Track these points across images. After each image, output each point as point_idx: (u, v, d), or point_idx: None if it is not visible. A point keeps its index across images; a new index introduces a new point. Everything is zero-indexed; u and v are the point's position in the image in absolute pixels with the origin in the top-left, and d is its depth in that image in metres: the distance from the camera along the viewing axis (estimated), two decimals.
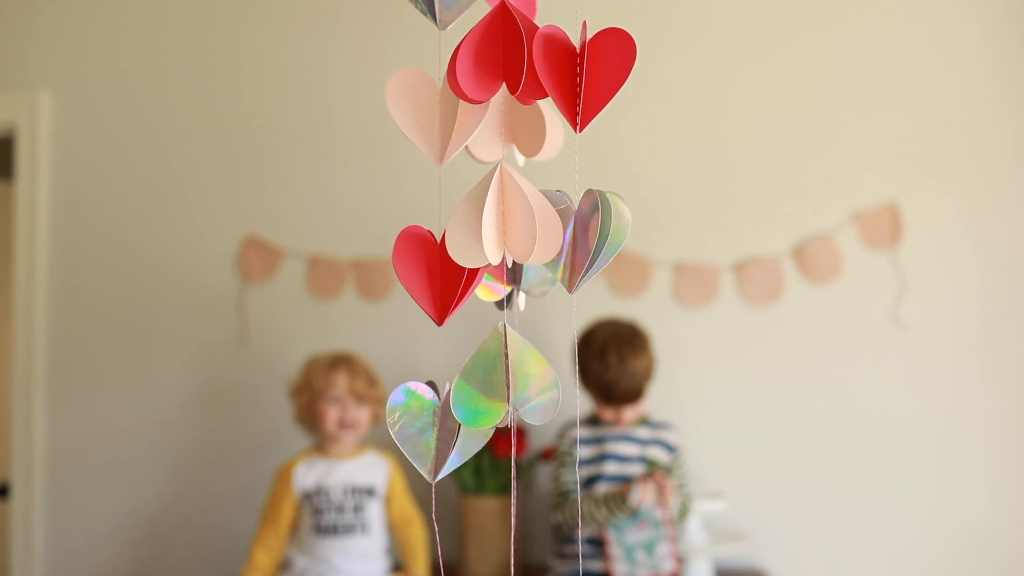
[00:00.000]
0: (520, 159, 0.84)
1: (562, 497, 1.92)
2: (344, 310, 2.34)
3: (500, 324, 0.70)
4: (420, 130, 0.74)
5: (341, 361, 1.97)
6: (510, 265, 0.73)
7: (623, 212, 0.68)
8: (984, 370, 2.14)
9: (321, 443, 1.99)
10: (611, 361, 1.88)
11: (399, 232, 0.71)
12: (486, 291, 0.77)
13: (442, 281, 0.72)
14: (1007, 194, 2.16)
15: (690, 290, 2.22)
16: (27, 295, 2.44)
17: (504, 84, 0.71)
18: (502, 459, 2.08)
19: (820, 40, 2.23)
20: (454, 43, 0.70)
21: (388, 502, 1.98)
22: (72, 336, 2.44)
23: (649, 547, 1.85)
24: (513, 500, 0.77)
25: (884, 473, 2.16)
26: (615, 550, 1.84)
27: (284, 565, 1.94)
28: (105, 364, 2.43)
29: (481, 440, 0.73)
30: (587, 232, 0.69)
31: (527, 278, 0.79)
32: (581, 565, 0.85)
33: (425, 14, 0.69)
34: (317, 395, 1.94)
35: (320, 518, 1.90)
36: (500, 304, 0.78)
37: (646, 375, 1.92)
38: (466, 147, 0.82)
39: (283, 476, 1.95)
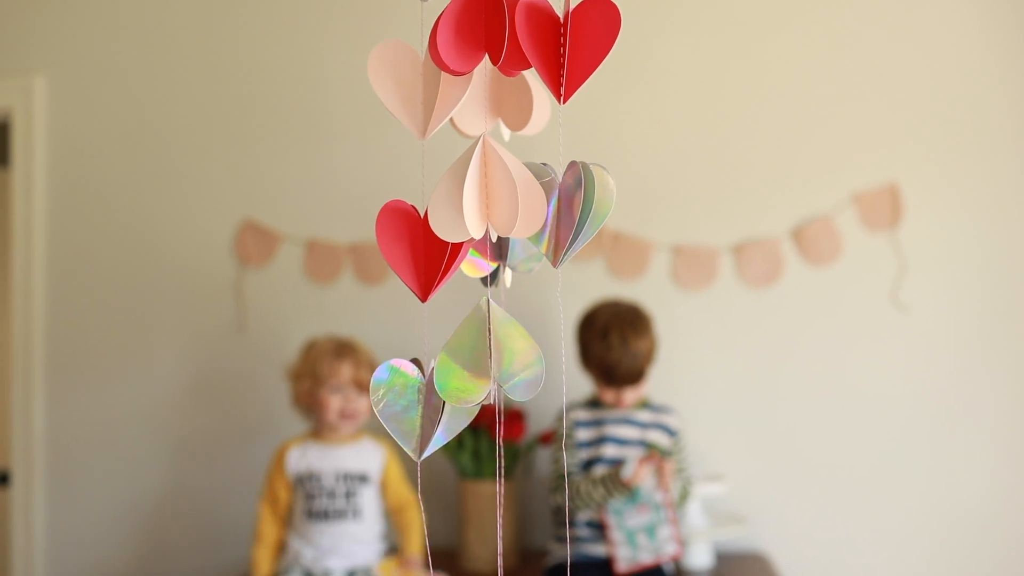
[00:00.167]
0: (506, 133, 0.82)
1: (561, 479, 1.91)
2: (342, 294, 2.33)
3: (483, 299, 0.69)
4: (403, 103, 0.72)
5: (346, 350, 1.95)
6: (494, 240, 0.72)
7: (607, 183, 0.67)
8: (984, 352, 2.13)
9: (318, 429, 1.98)
10: (613, 342, 1.88)
11: (381, 206, 0.70)
12: (471, 267, 0.76)
13: (426, 257, 0.71)
14: (1007, 175, 2.14)
15: (689, 272, 2.21)
16: (24, 282, 2.44)
17: (487, 55, 0.70)
18: (504, 443, 2.08)
19: (820, 20, 2.21)
20: (436, 14, 0.69)
21: (384, 488, 1.97)
22: (70, 323, 2.44)
23: (651, 531, 1.85)
24: (499, 481, 0.76)
25: (884, 455, 2.15)
26: (616, 534, 1.84)
27: (282, 547, 1.95)
28: (103, 351, 2.42)
29: (467, 418, 0.72)
30: (571, 205, 0.68)
31: (513, 254, 0.78)
32: (569, 550, 0.85)
33: None
34: (319, 383, 1.92)
35: (312, 503, 1.90)
36: (485, 280, 0.77)
37: (648, 357, 1.91)
38: (452, 121, 0.81)
39: (278, 458, 1.96)
